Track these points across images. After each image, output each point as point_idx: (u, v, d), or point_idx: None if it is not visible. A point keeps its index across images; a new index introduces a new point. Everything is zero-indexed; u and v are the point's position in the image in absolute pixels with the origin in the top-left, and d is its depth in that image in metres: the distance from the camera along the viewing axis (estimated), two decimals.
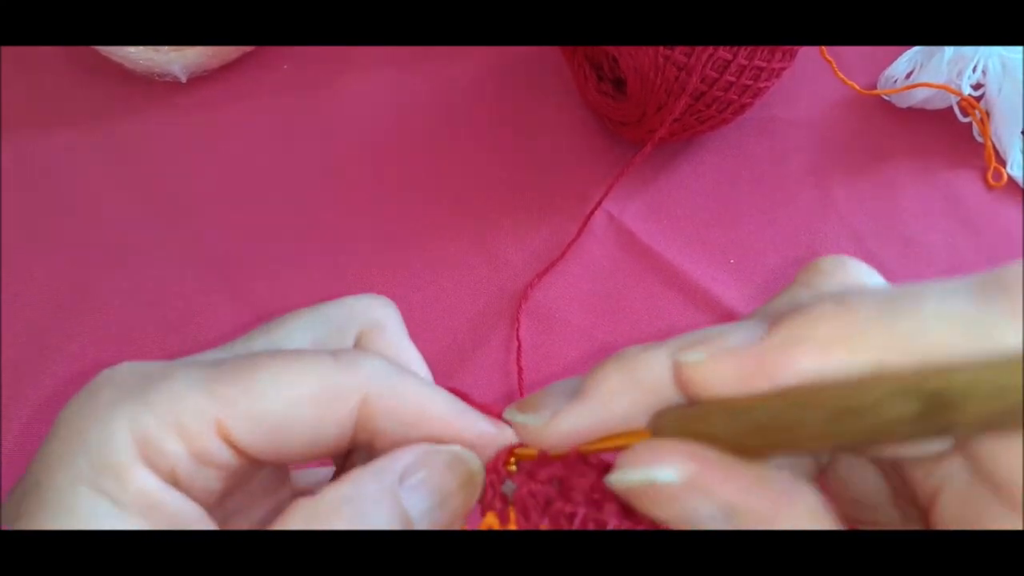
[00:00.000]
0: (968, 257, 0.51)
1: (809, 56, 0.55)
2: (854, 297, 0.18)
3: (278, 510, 0.20)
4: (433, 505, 0.21)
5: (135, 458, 0.19)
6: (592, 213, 0.51)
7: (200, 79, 0.57)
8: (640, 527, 0.20)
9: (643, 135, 0.50)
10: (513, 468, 0.22)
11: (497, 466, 0.22)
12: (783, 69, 0.48)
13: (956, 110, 0.55)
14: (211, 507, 0.21)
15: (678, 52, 0.44)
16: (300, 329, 0.24)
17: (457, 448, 0.21)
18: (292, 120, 0.57)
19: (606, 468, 0.21)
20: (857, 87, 0.55)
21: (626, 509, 0.21)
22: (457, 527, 0.22)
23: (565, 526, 0.21)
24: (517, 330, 0.48)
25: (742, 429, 0.18)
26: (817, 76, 0.57)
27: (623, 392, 0.20)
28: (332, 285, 0.50)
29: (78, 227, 0.52)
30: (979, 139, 0.55)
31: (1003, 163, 0.54)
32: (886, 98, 0.57)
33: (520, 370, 0.47)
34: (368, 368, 0.21)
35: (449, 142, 0.55)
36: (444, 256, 0.51)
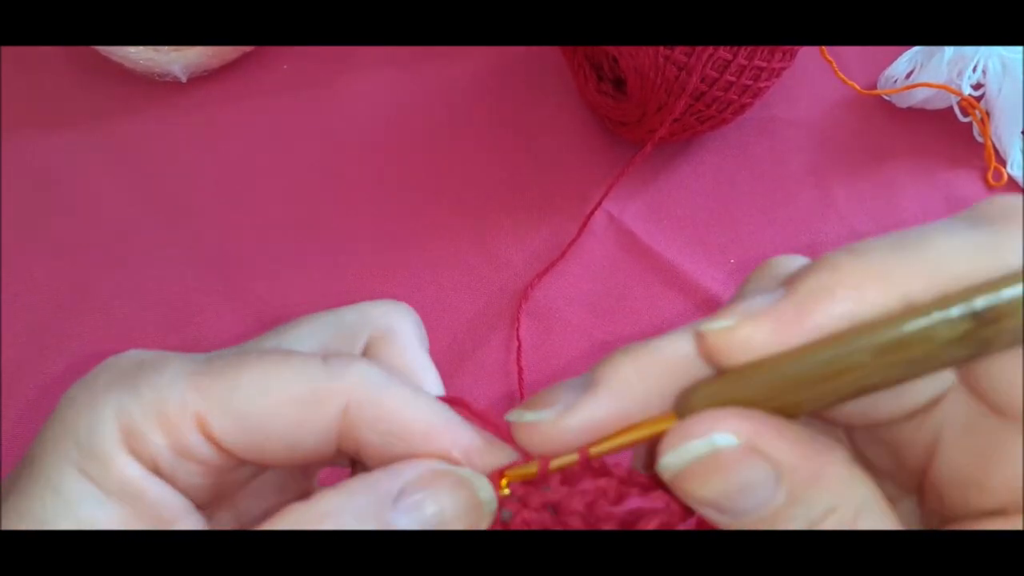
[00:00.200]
0: None
1: (809, 56, 0.55)
2: (862, 245, 0.18)
3: None
4: (426, 530, 0.20)
5: (119, 446, 0.19)
6: (592, 213, 0.51)
7: (200, 79, 0.57)
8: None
9: (643, 135, 0.50)
10: (506, 492, 0.21)
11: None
12: (783, 69, 0.48)
13: (956, 110, 0.55)
14: (203, 501, 0.21)
15: (678, 52, 0.44)
16: (311, 332, 0.24)
17: (466, 472, 0.20)
18: (292, 120, 0.57)
19: (607, 479, 0.20)
20: (857, 87, 0.55)
21: (626, 527, 0.20)
22: None
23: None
24: (517, 330, 0.48)
25: (785, 386, 0.18)
26: (817, 76, 0.57)
27: (639, 378, 0.19)
28: (332, 285, 0.50)
29: (78, 227, 0.52)
30: (979, 139, 0.55)
31: (1003, 163, 0.54)
32: (886, 98, 0.57)
33: (520, 370, 0.47)
34: (356, 375, 0.21)
35: (449, 142, 0.55)
36: (444, 256, 0.51)
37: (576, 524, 0.20)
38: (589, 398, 0.19)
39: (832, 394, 0.18)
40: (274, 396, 0.20)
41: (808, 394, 0.18)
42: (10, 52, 0.58)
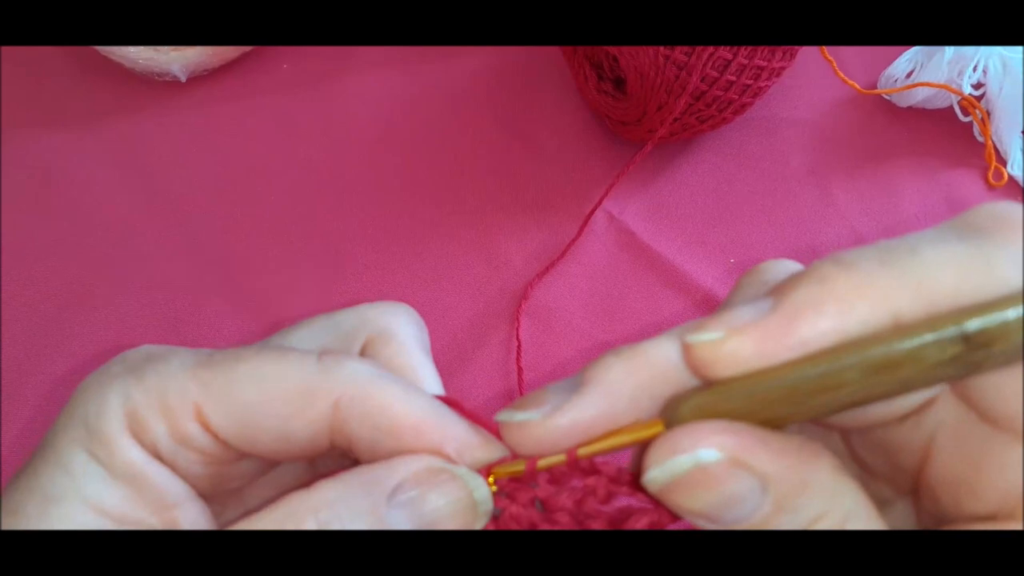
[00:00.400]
0: None
1: (809, 56, 0.55)
2: (850, 256, 0.18)
3: None
4: (419, 528, 0.20)
5: (123, 430, 0.20)
6: (592, 213, 0.51)
7: (200, 79, 0.57)
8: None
9: (643, 135, 0.50)
10: (493, 488, 0.21)
11: None
12: (783, 69, 0.48)
13: (957, 110, 0.55)
14: (203, 491, 0.22)
15: (678, 52, 0.44)
16: (310, 335, 0.25)
17: (463, 471, 0.20)
18: (292, 120, 0.57)
19: (596, 477, 0.20)
20: (857, 87, 0.55)
21: (615, 525, 0.20)
22: None
23: None
24: (517, 330, 0.48)
25: (772, 400, 0.18)
26: (817, 76, 0.57)
27: (627, 380, 0.19)
28: (332, 285, 0.50)
29: (78, 227, 0.52)
30: (980, 139, 0.55)
31: (1004, 163, 0.54)
32: (886, 98, 0.57)
33: (520, 370, 0.47)
34: (347, 371, 0.21)
35: (449, 142, 0.55)
36: (444, 256, 0.51)
37: (564, 521, 0.20)
38: (577, 399, 0.19)
39: (820, 408, 0.18)
40: (267, 389, 0.21)
41: (795, 408, 0.18)
42: (10, 52, 0.58)
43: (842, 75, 0.55)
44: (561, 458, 0.20)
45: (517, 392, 0.46)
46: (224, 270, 0.51)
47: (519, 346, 0.47)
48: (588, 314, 0.49)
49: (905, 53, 0.56)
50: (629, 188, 0.53)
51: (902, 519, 0.22)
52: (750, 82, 0.46)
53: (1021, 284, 0.17)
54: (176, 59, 0.54)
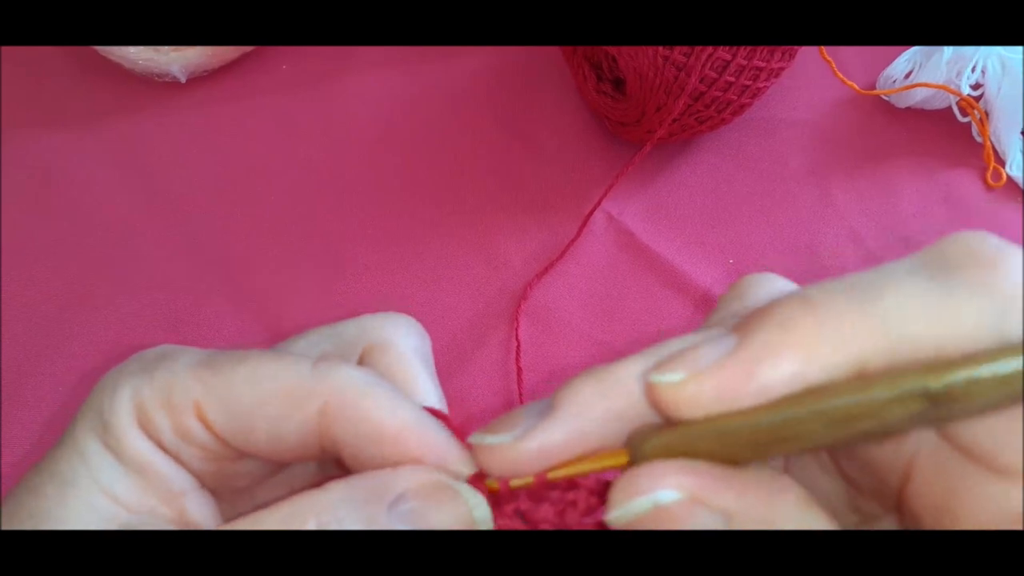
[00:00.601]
0: None
1: (809, 56, 0.55)
2: (815, 294, 0.18)
3: None
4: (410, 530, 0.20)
5: (132, 423, 0.21)
6: (592, 213, 0.51)
7: (200, 79, 0.57)
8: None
9: (642, 135, 0.50)
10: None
11: None
12: (782, 69, 0.48)
13: (955, 110, 0.55)
14: (209, 486, 0.23)
15: (677, 52, 0.44)
16: (310, 344, 0.25)
17: (465, 489, 0.21)
18: (292, 120, 0.57)
19: (575, 492, 0.20)
20: (856, 87, 0.56)
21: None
22: None
23: None
24: (517, 330, 0.48)
25: (734, 442, 0.18)
26: (817, 76, 0.57)
27: (597, 404, 0.19)
28: (332, 285, 0.50)
29: (78, 227, 0.52)
30: (978, 139, 0.55)
31: (1002, 163, 0.54)
32: (885, 98, 0.57)
33: (519, 370, 0.47)
34: (338, 376, 0.21)
35: (449, 142, 0.55)
36: (444, 256, 0.51)
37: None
38: (547, 423, 0.19)
39: (786, 451, 0.18)
40: (261, 390, 0.21)
41: (759, 451, 0.18)
42: (10, 52, 0.58)
43: (841, 76, 0.55)
44: (530, 480, 0.20)
45: (516, 392, 0.46)
46: (224, 270, 0.51)
47: (518, 346, 0.48)
48: (587, 314, 0.49)
49: (904, 53, 0.56)
50: (628, 188, 0.53)
51: None
52: (749, 83, 0.46)
53: (986, 334, 0.16)
54: (176, 60, 0.54)
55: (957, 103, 0.55)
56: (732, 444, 0.18)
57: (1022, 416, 0.17)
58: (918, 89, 0.54)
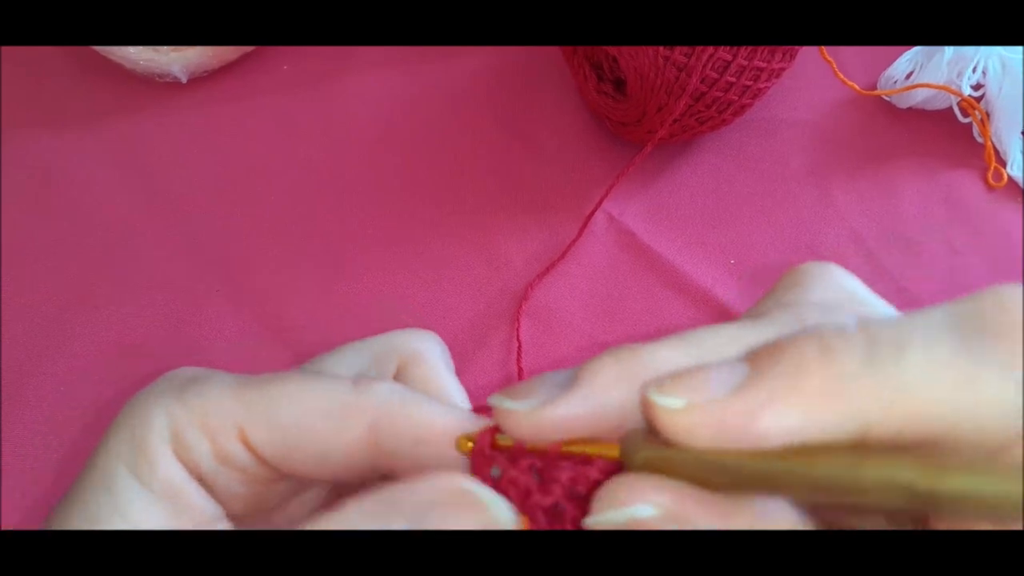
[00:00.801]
0: (968, 257, 0.51)
1: (809, 56, 0.55)
2: (836, 342, 0.17)
3: None
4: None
5: (166, 448, 0.21)
6: (592, 214, 0.51)
7: (200, 80, 0.57)
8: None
9: (643, 136, 0.50)
10: (474, 457, 0.21)
11: (483, 449, 0.21)
12: (783, 70, 0.48)
13: (956, 110, 0.55)
14: (240, 510, 0.23)
15: (678, 52, 0.44)
16: (342, 360, 0.26)
17: (488, 496, 0.20)
18: (292, 120, 0.57)
19: (586, 461, 0.20)
20: (857, 87, 0.55)
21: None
22: None
23: (540, 522, 0.21)
24: (517, 330, 0.48)
25: (721, 475, 0.18)
26: (817, 76, 0.57)
27: (619, 385, 0.19)
28: (332, 285, 0.50)
29: (78, 227, 0.52)
30: (979, 139, 0.55)
31: (1003, 164, 0.54)
32: (886, 98, 0.57)
33: (520, 371, 0.47)
34: (381, 393, 0.22)
35: (449, 142, 0.55)
36: (444, 256, 0.51)
37: (558, 492, 0.21)
38: (567, 395, 0.20)
39: (770, 494, 0.18)
40: (306, 410, 0.22)
41: (744, 489, 0.18)
42: (10, 52, 0.58)
43: (842, 76, 0.55)
44: (544, 446, 0.20)
45: None
46: (224, 270, 0.51)
47: (519, 346, 0.47)
48: (588, 314, 0.49)
49: (905, 54, 0.56)
50: (629, 189, 0.53)
51: None
52: (750, 83, 0.46)
53: (1010, 411, 0.16)
54: (176, 60, 0.54)
55: (958, 103, 0.55)
56: (720, 475, 0.18)
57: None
58: (919, 90, 0.54)
